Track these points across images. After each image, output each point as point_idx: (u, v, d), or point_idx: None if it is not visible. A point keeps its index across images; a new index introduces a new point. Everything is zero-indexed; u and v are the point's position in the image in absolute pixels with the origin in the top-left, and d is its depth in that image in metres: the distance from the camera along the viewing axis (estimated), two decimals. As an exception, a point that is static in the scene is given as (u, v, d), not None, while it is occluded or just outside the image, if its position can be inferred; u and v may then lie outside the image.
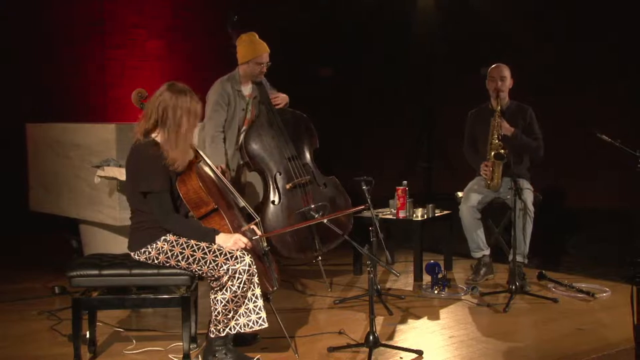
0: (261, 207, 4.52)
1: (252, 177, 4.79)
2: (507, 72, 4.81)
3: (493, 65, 4.88)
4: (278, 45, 4.61)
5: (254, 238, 3.44)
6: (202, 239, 3.26)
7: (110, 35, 6.85)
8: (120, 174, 4.19)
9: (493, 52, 6.54)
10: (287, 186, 4.54)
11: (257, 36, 4.57)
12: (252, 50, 4.51)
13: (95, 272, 3.30)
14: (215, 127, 4.47)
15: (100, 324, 3.78)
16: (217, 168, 3.87)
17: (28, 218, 5.50)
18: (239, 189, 4.07)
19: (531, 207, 4.64)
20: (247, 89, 4.62)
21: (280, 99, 4.70)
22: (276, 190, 4.54)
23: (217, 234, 3.26)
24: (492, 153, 4.66)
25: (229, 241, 3.24)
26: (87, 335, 3.47)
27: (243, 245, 3.25)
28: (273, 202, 4.52)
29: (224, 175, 3.98)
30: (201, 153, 3.48)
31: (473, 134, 5.01)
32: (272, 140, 4.60)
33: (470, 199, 4.79)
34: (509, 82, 4.82)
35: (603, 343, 3.62)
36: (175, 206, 3.31)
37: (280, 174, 4.56)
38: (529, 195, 4.67)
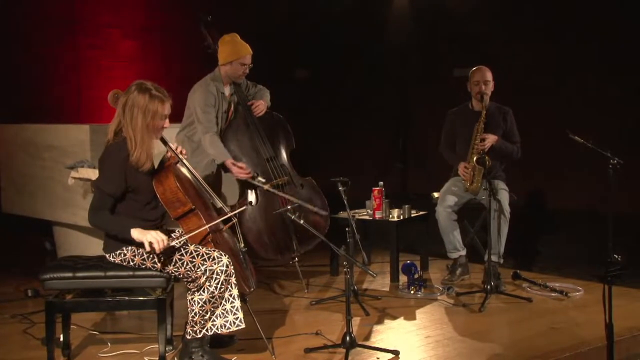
0: (238, 208, 4.49)
1: (229, 178, 4.77)
2: (490, 75, 4.84)
3: (475, 68, 4.88)
4: (254, 47, 4.60)
5: (223, 230, 3.43)
6: (118, 233, 3.20)
7: (83, 35, 6.78)
8: (95, 175, 4.14)
9: (468, 53, 6.61)
10: (265, 187, 4.53)
11: (239, 37, 4.54)
12: (236, 51, 4.47)
13: (69, 274, 3.26)
14: (209, 128, 4.40)
15: (75, 326, 3.73)
16: (230, 163, 4.09)
17: (0, 220, 5.41)
18: (216, 190, 4.05)
19: (507, 208, 4.68)
20: (227, 90, 4.60)
21: (260, 106, 4.67)
22: (254, 191, 4.52)
23: (134, 227, 3.18)
24: (475, 158, 4.69)
25: (142, 237, 3.15)
26: (61, 339, 3.43)
27: (156, 246, 3.13)
28: (250, 203, 4.51)
29: (245, 173, 4.11)
30: (177, 154, 3.46)
31: (453, 133, 5.03)
32: (250, 142, 4.59)
33: (447, 200, 4.82)
34: (492, 85, 4.85)
35: (576, 341, 3.66)
36: (145, 211, 3.29)
37: (257, 175, 4.54)
38: (504, 196, 4.72)
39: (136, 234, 3.17)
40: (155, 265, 3.25)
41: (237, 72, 4.50)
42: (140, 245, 3.20)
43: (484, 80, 4.81)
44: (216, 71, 4.54)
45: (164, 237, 3.17)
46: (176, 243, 3.23)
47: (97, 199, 3.24)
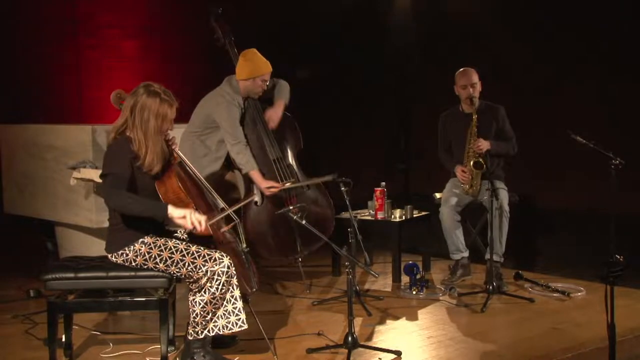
0: (243, 207, 4.47)
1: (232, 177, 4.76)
2: (476, 77, 4.81)
3: (460, 71, 4.85)
4: (254, 47, 4.59)
5: (222, 230, 3.42)
6: (148, 211, 3.17)
7: (84, 35, 6.77)
8: (97, 175, 4.14)
9: (469, 53, 6.60)
10: (293, 185, 4.51)
11: (258, 53, 4.51)
12: (259, 68, 4.44)
13: (71, 274, 3.26)
14: (240, 140, 4.36)
15: (77, 327, 3.73)
16: (257, 175, 4.26)
17: (2, 220, 5.41)
18: (220, 188, 4.02)
19: (506, 208, 4.68)
20: (241, 101, 4.57)
21: (272, 120, 4.61)
22: (260, 191, 4.49)
23: (167, 205, 3.17)
24: (471, 162, 4.68)
25: (181, 212, 3.13)
26: (63, 339, 3.43)
27: (197, 224, 3.13)
28: (256, 202, 4.49)
29: (275, 187, 4.22)
30: (181, 154, 3.46)
31: (446, 136, 5.03)
32: (257, 141, 4.56)
33: (450, 200, 4.82)
34: (479, 86, 4.83)
35: (578, 342, 3.67)
36: None
37: (285, 182, 4.51)
38: (504, 196, 4.72)
39: (176, 211, 3.13)
40: (158, 266, 3.25)
41: (256, 88, 4.47)
42: (161, 232, 3.24)
43: (471, 83, 4.78)
44: (233, 82, 4.48)
45: (202, 219, 3.15)
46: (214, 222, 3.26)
47: (110, 182, 3.15)
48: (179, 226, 3.38)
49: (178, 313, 3.70)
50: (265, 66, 4.48)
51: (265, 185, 4.36)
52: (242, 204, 3.65)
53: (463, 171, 4.77)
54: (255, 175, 4.37)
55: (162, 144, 3.27)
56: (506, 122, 4.89)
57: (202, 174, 3.82)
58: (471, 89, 4.76)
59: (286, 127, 4.72)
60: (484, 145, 4.68)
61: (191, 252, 3.22)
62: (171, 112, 3.25)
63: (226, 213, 3.47)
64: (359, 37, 7.55)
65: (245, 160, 4.37)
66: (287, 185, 4.43)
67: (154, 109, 3.19)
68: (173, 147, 3.42)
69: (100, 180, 3.78)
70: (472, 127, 4.71)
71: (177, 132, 4.48)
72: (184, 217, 3.13)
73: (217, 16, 4.60)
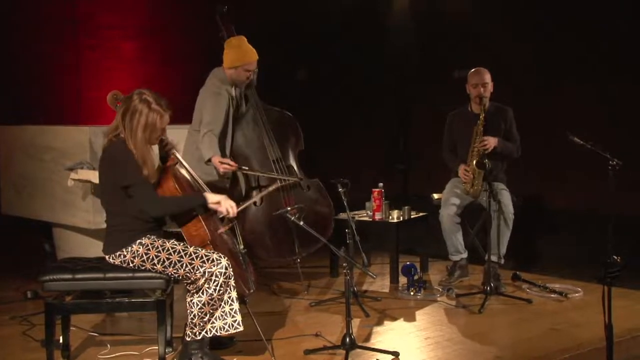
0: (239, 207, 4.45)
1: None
2: (488, 78, 4.80)
3: (472, 70, 4.85)
4: (253, 46, 4.58)
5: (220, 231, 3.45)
6: (191, 205, 3.32)
7: (84, 36, 6.77)
8: (94, 176, 4.15)
9: (468, 53, 6.60)
10: (270, 188, 4.50)
11: (246, 41, 4.44)
12: (241, 56, 4.35)
13: (69, 276, 3.27)
14: (213, 130, 4.25)
15: (74, 328, 3.73)
16: (217, 161, 4.07)
17: (0, 221, 5.41)
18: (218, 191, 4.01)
19: (510, 209, 4.66)
20: (233, 91, 4.53)
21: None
22: (259, 192, 4.47)
23: (204, 193, 3.38)
24: (474, 162, 4.67)
25: (216, 198, 3.36)
26: (61, 340, 3.43)
27: (230, 208, 3.37)
28: (255, 203, 4.48)
29: (230, 166, 4.10)
30: (178, 155, 3.46)
31: (453, 135, 5.02)
32: (257, 140, 4.54)
33: (450, 202, 4.80)
34: (490, 87, 4.83)
35: (575, 342, 3.67)
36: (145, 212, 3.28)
37: (241, 167, 4.47)
38: (507, 197, 4.71)
39: (212, 197, 3.36)
40: (155, 267, 3.25)
41: (240, 77, 4.38)
42: (158, 233, 3.28)
43: (482, 83, 4.78)
44: (220, 73, 4.41)
45: (234, 204, 3.40)
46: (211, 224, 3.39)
47: (141, 193, 3.20)
48: (178, 228, 3.39)
49: (176, 314, 3.70)
50: (247, 55, 4.36)
51: (218, 160, 4.20)
52: (241, 208, 3.63)
53: (466, 170, 4.77)
54: (215, 160, 4.21)
55: (152, 154, 3.26)
56: (513, 124, 4.89)
57: (205, 178, 3.81)
58: (482, 89, 4.76)
59: (288, 128, 4.70)
60: (491, 141, 4.67)
61: (189, 253, 3.23)
62: (160, 122, 3.24)
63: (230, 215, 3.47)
64: (359, 37, 7.54)
65: (208, 147, 4.20)
66: (244, 169, 4.38)
67: (142, 119, 3.19)
68: (171, 149, 3.42)
69: (97, 182, 3.79)
70: (479, 126, 4.71)
71: (177, 133, 4.48)
72: (218, 202, 3.35)
73: (221, 14, 4.58)
